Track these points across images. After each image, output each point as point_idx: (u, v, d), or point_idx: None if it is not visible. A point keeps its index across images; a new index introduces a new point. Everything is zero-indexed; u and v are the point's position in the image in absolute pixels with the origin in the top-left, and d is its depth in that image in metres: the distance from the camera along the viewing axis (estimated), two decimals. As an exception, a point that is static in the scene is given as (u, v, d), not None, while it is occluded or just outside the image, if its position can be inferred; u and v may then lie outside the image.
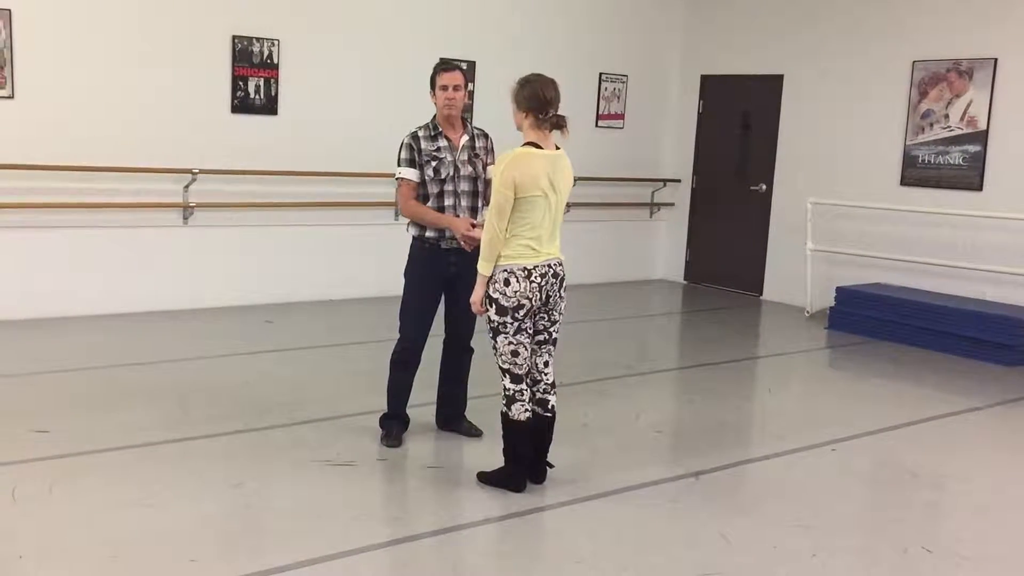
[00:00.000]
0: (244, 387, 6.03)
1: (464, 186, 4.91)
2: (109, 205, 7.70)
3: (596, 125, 10.62)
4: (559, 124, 4.33)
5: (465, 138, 4.95)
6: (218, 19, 8.06)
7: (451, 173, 4.88)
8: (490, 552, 3.99)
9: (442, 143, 4.88)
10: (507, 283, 4.29)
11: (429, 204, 4.87)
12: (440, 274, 4.93)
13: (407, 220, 4.97)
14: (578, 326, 8.61)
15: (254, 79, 8.28)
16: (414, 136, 4.89)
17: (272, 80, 8.36)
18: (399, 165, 4.89)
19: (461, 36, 9.40)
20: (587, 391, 6.34)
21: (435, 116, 4.94)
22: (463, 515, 4.30)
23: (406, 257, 5.04)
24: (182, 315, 7.95)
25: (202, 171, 7.98)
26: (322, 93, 8.64)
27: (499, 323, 4.33)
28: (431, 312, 5.01)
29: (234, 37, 8.14)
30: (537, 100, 4.29)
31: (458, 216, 4.85)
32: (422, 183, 4.86)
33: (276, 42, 8.33)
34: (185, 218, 8.09)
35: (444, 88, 4.83)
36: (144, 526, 3.95)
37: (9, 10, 7.16)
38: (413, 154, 4.85)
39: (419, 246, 4.96)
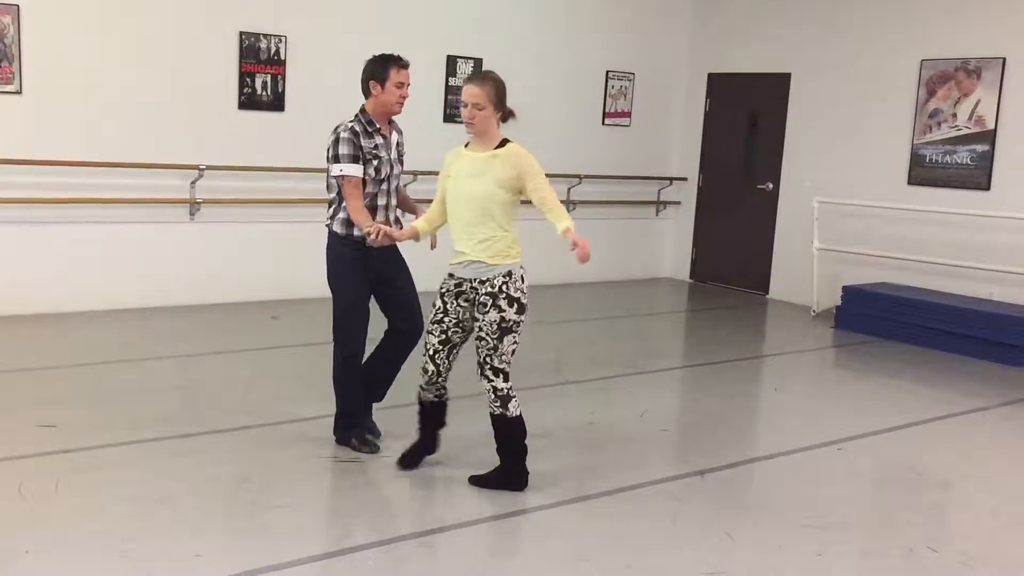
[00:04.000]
0: (250, 383, 6.03)
1: (395, 184, 4.79)
2: (116, 201, 7.71)
3: (603, 123, 10.60)
4: (506, 118, 4.34)
5: (395, 136, 4.81)
6: (225, 15, 8.06)
7: (388, 172, 4.72)
8: (495, 549, 3.98)
9: (379, 140, 4.67)
10: (523, 279, 4.30)
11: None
12: (369, 274, 4.73)
13: (331, 217, 4.72)
14: (583, 324, 8.61)
15: (261, 75, 8.28)
16: (353, 131, 4.61)
17: (279, 76, 8.36)
18: (339, 161, 4.56)
19: (467, 33, 9.40)
20: (592, 389, 6.34)
21: (364, 108, 4.71)
22: (468, 513, 4.30)
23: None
24: (189, 311, 7.96)
25: (209, 167, 7.99)
26: (329, 89, 8.61)
27: (515, 322, 4.27)
28: (368, 312, 4.82)
29: (241, 33, 8.14)
30: (505, 98, 4.33)
31: (389, 217, 4.76)
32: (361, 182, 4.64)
33: (283, 38, 8.33)
34: (192, 214, 8.10)
35: (400, 85, 4.64)
36: (150, 521, 3.95)
37: (17, 5, 7.17)
38: (356, 150, 4.60)
39: (345, 244, 4.70)
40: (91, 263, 7.70)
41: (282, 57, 8.35)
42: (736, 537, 4.10)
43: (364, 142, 4.63)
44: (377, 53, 4.77)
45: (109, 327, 7.32)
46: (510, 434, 4.41)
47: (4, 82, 7.20)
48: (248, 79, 8.22)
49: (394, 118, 4.87)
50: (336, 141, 4.61)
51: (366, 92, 4.72)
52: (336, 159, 4.60)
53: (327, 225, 4.78)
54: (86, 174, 7.56)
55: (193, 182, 8.00)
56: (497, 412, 4.36)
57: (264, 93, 8.31)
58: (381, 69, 4.66)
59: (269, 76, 8.32)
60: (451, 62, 9.25)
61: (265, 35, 8.25)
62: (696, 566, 3.81)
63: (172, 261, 8.06)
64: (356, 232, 4.63)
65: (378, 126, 4.70)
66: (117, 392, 5.70)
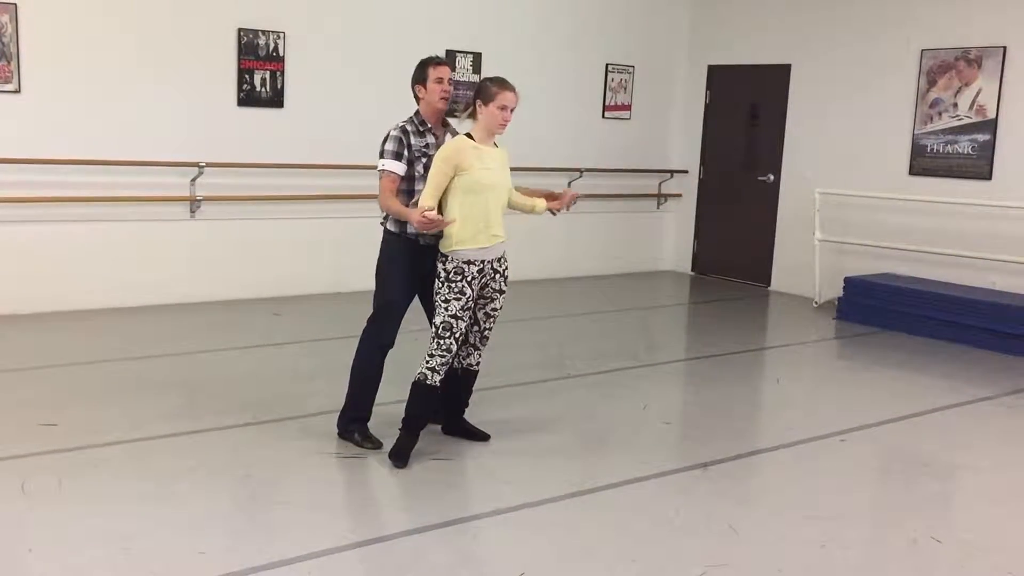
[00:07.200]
0: (252, 379, 6.04)
1: None
2: (116, 199, 7.71)
3: (603, 116, 10.58)
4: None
5: (448, 138, 4.85)
6: (223, 12, 8.05)
7: None
8: (500, 543, 3.98)
9: (430, 140, 4.78)
10: None
11: (410, 201, 4.75)
12: (418, 272, 4.81)
13: (384, 214, 4.83)
14: (585, 318, 8.60)
15: (260, 72, 8.27)
16: (404, 130, 4.75)
17: (278, 73, 8.35)
18: (383, 156, 4.72)
19: (467, 27, 9.38)
20: (595, 383, 6.33)
21: (418, 111, 4.84)
22: (472, 507, 4.31)
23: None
24: (190, 308, 7.96)
25: (209, 164, 7.98)
26: (328, 85, 8.63)
27: None
28: (404, 312, 4.90)
29: (240, 30, 8.13)
30: None
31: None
32: (407, 179, 4.73)
33: (282, 35, 8.32)
34: (192, 211, 8.09)
35: (439, 81, 4.75)
36: (152, 518, 3.95)
37: (15, 4, 7.17)
38: (402, 148, 4.71)
39: (398, 242, 4.81)
40: (91, 261, 7.70)
41: (281, 53, 8.34)
42: (739, 529, 4.10)
43: (415, 141, 4.75)
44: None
45: (110, 325, 7.32)
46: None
47: (3, 81, 7.19)
48: (247, 76, 8.21)
49: (450, 122, 5.02)
50: (385, 139, 4.77)
51: (416, 99, 4.87)
52: (381, 155, 4.75)
53: (381, 224, 4.89)
54: (85, 172, 7.56)
55: (193, 179, 8.00)
56: (476, 368, 4.93)
57: (263, 90, 8.30)
58: (420, 72, 4.83)
59: (268, 72, 8.31)
60: (450, 57, 9.23)
61: (264, 31, 8.23)
62: (700, 558, 3.81)
63: (173, 259, 8.06)
64: (410, 230, 4.75)
65: (430, 126, 4.82)
66: (118, 390, 5.70)
